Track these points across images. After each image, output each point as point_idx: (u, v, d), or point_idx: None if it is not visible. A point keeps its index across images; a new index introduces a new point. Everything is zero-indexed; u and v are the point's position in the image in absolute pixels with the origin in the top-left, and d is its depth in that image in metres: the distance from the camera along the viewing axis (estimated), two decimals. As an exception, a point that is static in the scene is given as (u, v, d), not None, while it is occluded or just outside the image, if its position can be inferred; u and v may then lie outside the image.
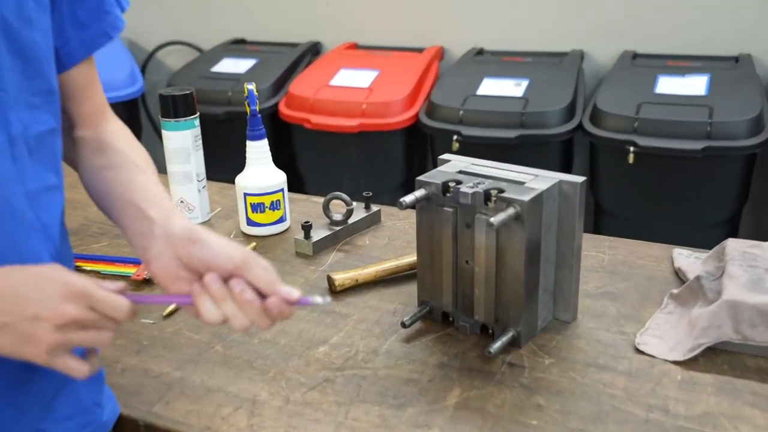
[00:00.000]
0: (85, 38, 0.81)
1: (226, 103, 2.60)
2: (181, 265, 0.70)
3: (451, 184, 0.95)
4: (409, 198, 0.95)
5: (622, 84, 2.36)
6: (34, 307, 0.63)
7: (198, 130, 1.35)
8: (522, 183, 0.95)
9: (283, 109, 2.56)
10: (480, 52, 2.74)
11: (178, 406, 0.88)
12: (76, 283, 0.65)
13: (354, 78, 2.60)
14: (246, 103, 1.28)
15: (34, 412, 0.75)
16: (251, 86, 1.28)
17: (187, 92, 1.33)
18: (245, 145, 1.31)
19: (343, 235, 1.30)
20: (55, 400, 0.77)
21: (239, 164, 1.32)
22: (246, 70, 2.74)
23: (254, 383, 0.91)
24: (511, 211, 0.89)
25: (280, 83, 2.70)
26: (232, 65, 2.79)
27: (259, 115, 1.30)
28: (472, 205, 0.92)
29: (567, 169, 2.37)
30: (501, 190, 0.92)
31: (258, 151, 1.30)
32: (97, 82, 0.88)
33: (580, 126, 2.25)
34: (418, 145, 2.58)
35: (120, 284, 0.69)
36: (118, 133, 0.88)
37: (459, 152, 2.28)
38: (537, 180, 0.95)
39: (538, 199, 0.92)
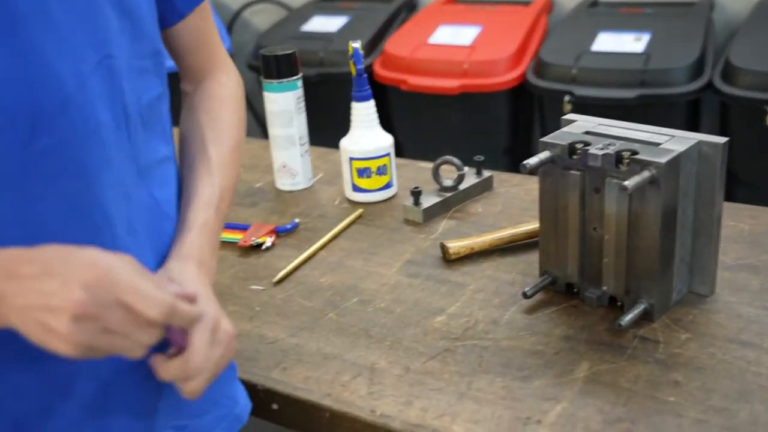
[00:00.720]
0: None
1: (318, 64, 2.66)
2: None
3: (579, 146, 0.97)
4: (533, 160, 0.97)
5: (759, 36, 2.29)
6: (52, 291, 0.60)
7: (301, 92, 1.41)
8: (657, 144, 0.96)
9: (378, 69, 2.60)
10: (594, 3, 2.71)
11: (295, 372, 0.94)
12: (107, 266, 0.61)
13: (454, 35, 2.61)
14: (351, 62, 1.33)
15: (170, 408, 0.81)
16: (356, 44, 1.33)
17: (290, 52, 1.39)
18: (338, 108, 1.35)
19: (453, 201, 1.33)
20: None
21: (333, 128, 1.36)
22: (338, 29, 2.80)
23: (371, 351, 0.96)
24: (645, 174, 0.90)
25: (375, 42, 2.74)
26: (322, 24, 2.85)
27: (365, 75, 1.34)
28: (602, 167, 0.94)
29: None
30: (634, 152, 0.93)
31: (364, 113, 1.35)
32: (207, 35, 0.92)
33: (709, 84, 2.20)
34: (524, 107, 2.58)
35: (191, 293, 0.70)
36: (214, 97, 0.91)
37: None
38: (673, 141, 0.96)
39: (676, 161, 0.92)
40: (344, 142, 1.37)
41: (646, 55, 2.30)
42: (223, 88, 0.94)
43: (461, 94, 2.46)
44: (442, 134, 2.58)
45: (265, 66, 1.39)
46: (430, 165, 1.43)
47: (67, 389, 0.72)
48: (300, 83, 1.41)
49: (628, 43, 2.38)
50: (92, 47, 0.68)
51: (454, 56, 2.51)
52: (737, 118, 2.22)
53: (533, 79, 2.39)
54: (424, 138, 2.64)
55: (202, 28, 0.92)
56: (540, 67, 2.40)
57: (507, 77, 2.46)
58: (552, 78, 2.35)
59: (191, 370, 0.68)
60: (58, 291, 0.59)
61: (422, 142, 2.64)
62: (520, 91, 2.48)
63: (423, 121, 2.61)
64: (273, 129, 1.42)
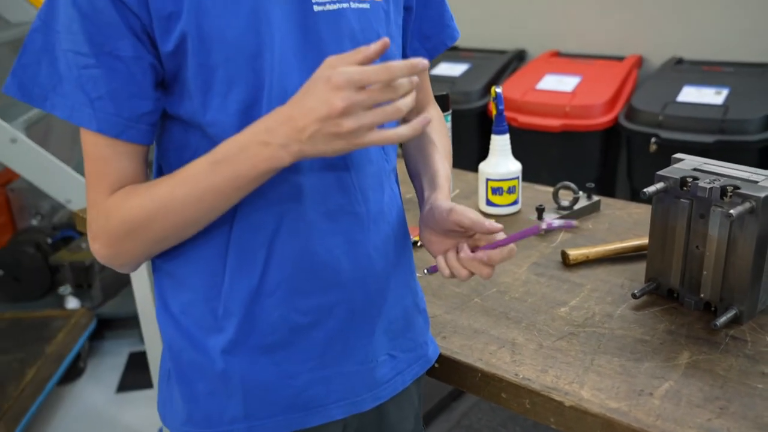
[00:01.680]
0: (428, 48, 0.96)
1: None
2: (440, 230, 0.82)
3: (689, 179, 1.02)
4: (650, 189, 1.03)
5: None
6: (314, 111, 0.65)
7: (449, 125, 1.50)
8: (755, 182, 0.99)
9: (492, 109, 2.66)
10: (680, 61, 2.69)
11: (453, 340, 1.02)
12: (337, 74, 0.65)
13: (558, 83, 2.65)
14: (494, 103, 1.41)
15: (389, 340, 0.89)
16: (499, 89, 1.41)
17: (444, 93, 1.48)
18: (462, 138, 1.43)
19: (569, 217, 1.39)
20: (402, 337, 0.90)
21: (456, 154, 1.42)
22: (460, 74, 2.88)
23: (511, 330, 1.04)
24: (747, 205, 0.94)
25: (490, 86, 2.81)
26: (448, 69, 2.94)
27: (504, 114, 1.42)
28: (709, 198, 0.99)
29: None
30: (736, 187, 0.97)
31: (501, 143, 1.42)
32: (426, 74, 1.02)
33: (780, 134, 2.17)
34: (614, 146, 2.60)
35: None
36: (433, 119, 1.01)
37: (656, 154, 2.29)
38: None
39: (771, 196, 0.96)
40: (482, 166, 1.45)
41: (725, 106, 2.28)
42: (438, 119, 1.03)
43: (562, 132, 2.50)
44: (544, 164, 2.61)
45: (423, 103, 1.48)
46: (545, 188, 1.50)
47: (330, 312, 0.82)
48: (449, 118, 1.50)
49: (709, 95, 2.36)
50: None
51: (557, 100, 2.55)
52: (804, 164, 2.17)
53: (624, 123, 2.40)
54: (529, 166, 2.67)
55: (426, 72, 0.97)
56: (631, 113, 2.41)
57: (601, 120, 2.48)
58: (641, 122, 2.36)
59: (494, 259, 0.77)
60: (319, 105, 0.65)
61: (528, 170, 2.67)
62: (612, 132, 2.49)
63: (529, 153, 2.64)
64: (425, 152, 1.51)
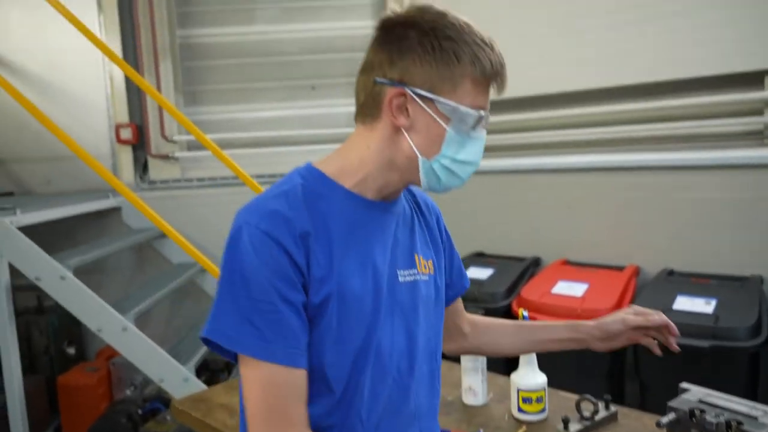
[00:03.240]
0: (450, 295, 1.10)
1: (473, 300, 2.80)
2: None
3: (697, 412, 1.02)
4: (664, 419, 1.03)
5: (804, 308, 2.22)
6: None
7: (484, 339, 1.53)
8: (755, 417, 0.99)
9: (515, 308, 2.70)
10: (671, 272, 2.73)
11: None
12: None
13: (569, 288, 2.70)
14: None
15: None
16: (526, 313, 1.45)
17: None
18: None
19: (591, 427, 1.36)
20: None
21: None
22: (487, 277, 2.95)
23: None
24: (751, 441, 0.93)
25: (512, 288, 2.86)
26: (476, 272, 3.02)
27: (531, 333, 1.45)
28: (716, 430, 0.98)
29: (755, 379, 2.22)
30: (740, 422, 0.97)
31: (530, 358, 1.44)
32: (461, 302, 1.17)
33: (766, 342, 2.13)
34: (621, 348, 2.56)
35: None
36: (482, 319, 1.20)
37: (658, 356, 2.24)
38: (766, 416, 0.99)
39: (771, 433, 0.95)
40: (514, 377, 1.45)
41: (715, 315, 2.27)
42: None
43: (575, 331, 2.49)
44: (557, 361, 2.57)
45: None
46: (568, 394, 1.48)
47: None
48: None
49: (700, 305, 2.36)
50: (433, 331, 0.95)
51: (570, 304, 2.57)
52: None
53: (629, 325, 2.39)
54: (550, 364, 2.63)
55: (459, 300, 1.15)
56: (634, 317, 2.41)
57: (609, 321, 2.47)
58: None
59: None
60: None
61: (549, 369, 2.62)
62: (619, 332, 2.47)
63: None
64: (464, 362, 1.53)
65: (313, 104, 3.84)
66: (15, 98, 2.46)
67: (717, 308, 2.32)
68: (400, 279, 0.90)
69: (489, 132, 0.97)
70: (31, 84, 3.37)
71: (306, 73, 3.83)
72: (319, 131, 3.79)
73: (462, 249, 3.40)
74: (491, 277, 2.95)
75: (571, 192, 3.10)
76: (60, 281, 2.22)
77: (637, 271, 2.83)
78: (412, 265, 0.95)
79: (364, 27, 3.83)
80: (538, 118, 3.27)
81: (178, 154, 3.62)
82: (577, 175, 3.07)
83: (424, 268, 0.97)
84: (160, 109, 3.53)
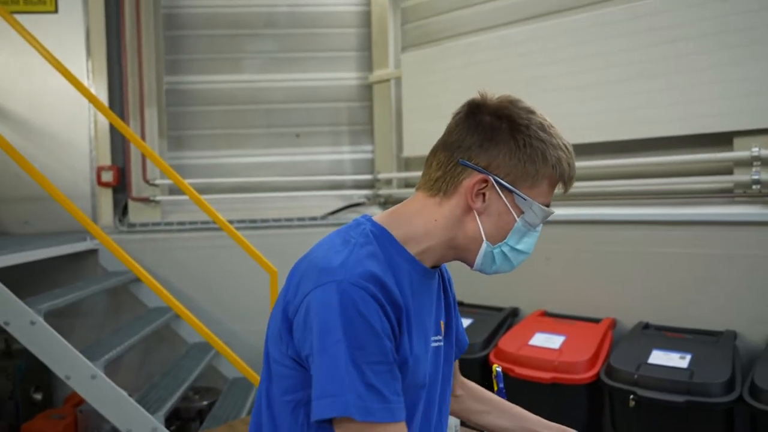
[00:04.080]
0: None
1: (451, 351, 2.77)
2: None
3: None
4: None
5: (775, 364, 2.23)
6: None
7: (459, 394, 1.51)
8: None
9: (493, 359, 2.68)
10: (646, 326, 2.74)
11: None
12: None
13: (546, 340, 2.69)
14: (495, 380, 1.44)
15: None
16: (499, 368, 1.44)
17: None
18: None
19: (564, 487, 1.34)
20: None
21: None
22: (465, 327, 2.93)
23: None
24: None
25: (489, 339, 2.85)
26: (455, 322, 3.01)
27: (505, 390, 1.44)
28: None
29: (731, 434, 2.21)
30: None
31: (503, 416, 1.42)
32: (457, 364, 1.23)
33: (740, 398, 2.14)
34: (597, 398, 2.55)
35: None
36: (475, 386, 1.26)
37: (635, 410, 2.23)
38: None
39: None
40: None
41: (690, 370, 2.28)
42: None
43: (552, 384, 2.48)
44: (536, 411, 2.55)
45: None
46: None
47: None
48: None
49: (675, 359, 2.37)
50: (447, 395, 1.06)
51: (547, 356, 2.56)
52: (764, 428, 2.10)
53: (605, 379, 2.39)
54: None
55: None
56: (610, 371, 2.41)
57: (585, 375, 2.47)
58: (620, 380, 2.35)
59: None
60: None
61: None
62: (595, 386, 2.47)
63: (525, 402, 2.59)
64: (438, 416, 1.51)
65: (297, 151, 3.88)
66: (-6, 139, 2.46)
67: (692, 363, 2.33)
68: (433, 344, 0.98)
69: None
70: (14, 124, 3.37)
71: (291, 121, 3.89)
72: (301, 178, 3.82)
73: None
74: (469, 327, 2.94)
75: (549, 244, 3.13)
76: (29, 326, 2.17)
77: (613, 324, 2.84)
78: (438, 331, 1.02)
79: (349, 78, 3.92)
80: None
81: (159, 197, 3.61)
82: (555, 228, 3.12)
83: (443, 333, 1.04)
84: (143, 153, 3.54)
